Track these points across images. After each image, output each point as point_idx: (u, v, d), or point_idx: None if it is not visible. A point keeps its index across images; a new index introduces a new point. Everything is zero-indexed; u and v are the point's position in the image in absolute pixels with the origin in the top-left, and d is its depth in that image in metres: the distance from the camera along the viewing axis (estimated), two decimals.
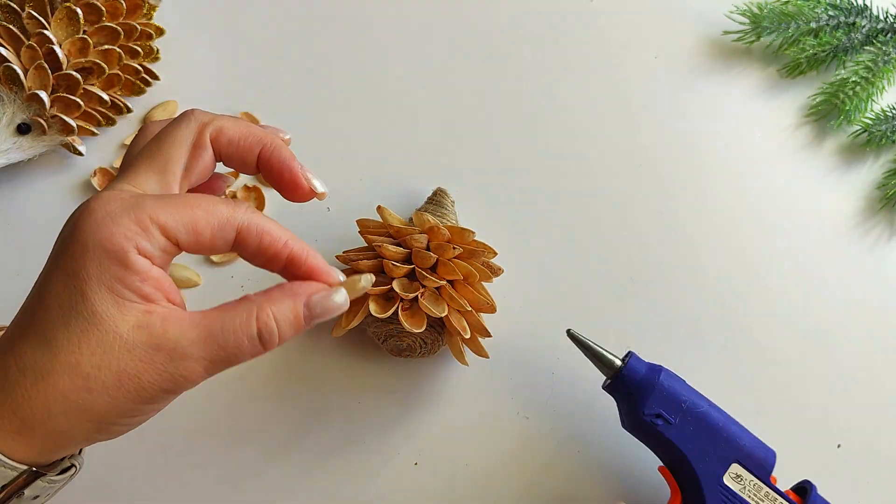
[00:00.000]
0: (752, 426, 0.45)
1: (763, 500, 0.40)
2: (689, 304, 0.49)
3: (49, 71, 0.47)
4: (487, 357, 0.44)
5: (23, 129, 0.47)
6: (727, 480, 0.40)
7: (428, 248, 0.43)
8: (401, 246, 0.43)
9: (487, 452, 0.46)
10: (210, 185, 0.34)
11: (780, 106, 0.55)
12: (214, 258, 0.49)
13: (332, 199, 0.50)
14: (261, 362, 0.47)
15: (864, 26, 0.54)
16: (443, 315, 0.41)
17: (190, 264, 0.49)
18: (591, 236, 0.51)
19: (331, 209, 0.51)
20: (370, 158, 0.52)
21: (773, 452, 0.41)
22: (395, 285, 0.41)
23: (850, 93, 0.53)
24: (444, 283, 0.42)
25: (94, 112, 0.50)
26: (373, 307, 0.41)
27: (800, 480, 0.43)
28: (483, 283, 0.44)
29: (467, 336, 0.42)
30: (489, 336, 0.43)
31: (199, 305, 0.48)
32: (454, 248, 0.42)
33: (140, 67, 0.51)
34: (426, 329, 0.42)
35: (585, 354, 0.43)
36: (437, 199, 0.48)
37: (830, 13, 0.54)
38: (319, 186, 0.32)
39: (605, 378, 0.43)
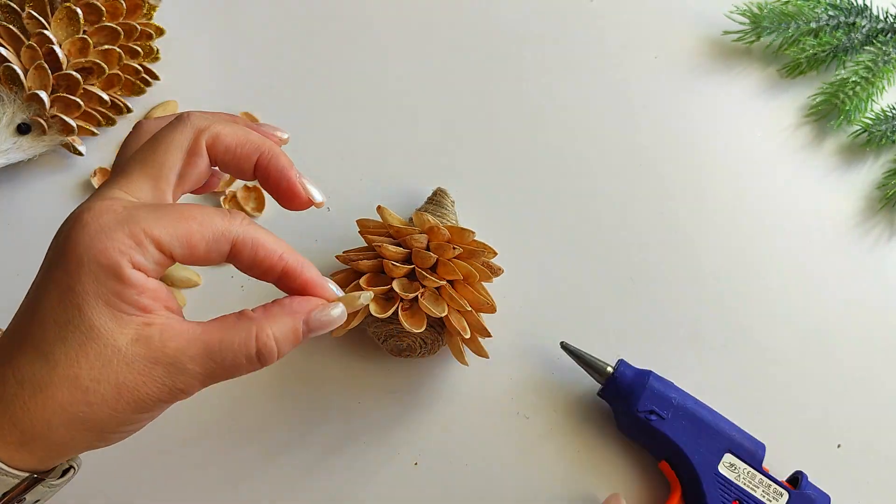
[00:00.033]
0: (752, 426, 0.45)
1: (757, 487, 0.42)
2: (689, 304, 0.49)
3: (49, 71, 0.47)
4: (487, 357, 0.44)
5: (23, 129, 0.47)
6: (722, 469, 0.42)
7: (428, 248, 0.43)
8: (401, 246, 0.43)
9: (487, 452, 0.46)
10: (207, 181, 0.33)
11: (780, 106, 0.55)
12: None
13: (332, 199, 0.50)
14: None
15: (864, 26, 0.54)
16: (443, 315, 0.41)
17: None
18: (591, 236, 0.51)
19: (331, 209, 0.51)
20: (370, 158, 0.52)
21: (763, 445, 0.44)
22: (395, 285, 0.41)
23: (850, 93, 0.53)
24: (444, 283, 0.42)
25: (94, 112, 0.50)
26: (373, 307, 0.41)
27: (793, 472, 0.44)
28: (483, 283, 0.44)
29: (467, 336, 0.42)
30: (489, 336, 0.43)
31: (199, 305, 0.49)
32: (454, 248, 0.42)
33: (140, 67, 0.51)
34: (426, 329, 0.42)
35: (579, 364, 0.46)
36: (437, 199, 0.48)
37: (830, 13, 0.54)
38: (317, 195, 0.32)
39: (599, 387, 0.45)
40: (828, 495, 0.43)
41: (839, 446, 0.47)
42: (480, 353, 0.44)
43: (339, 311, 0.30)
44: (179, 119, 0.30)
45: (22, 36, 0.47)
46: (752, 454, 0.43)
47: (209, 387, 0.28)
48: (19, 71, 0.46)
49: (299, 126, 0.52)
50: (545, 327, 0.48)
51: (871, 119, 0.53)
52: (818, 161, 0.53)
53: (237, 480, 0.45)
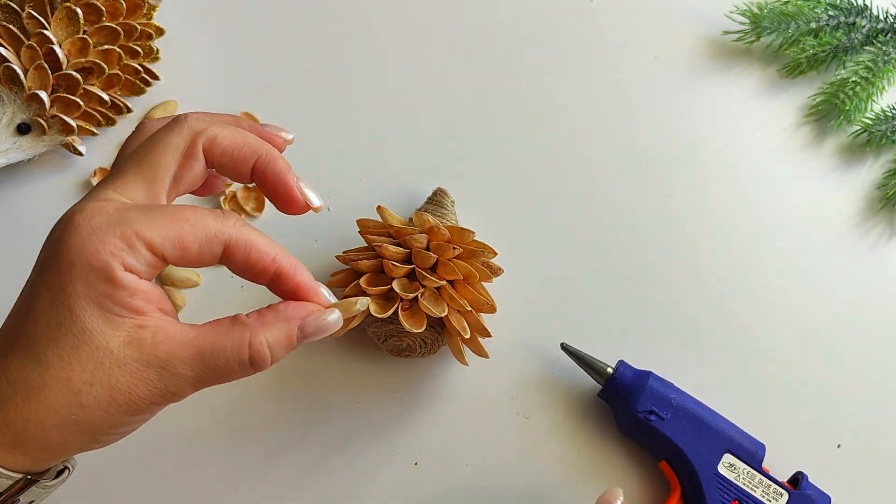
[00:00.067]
0: (751, 426, 0.45)
1: (757, 487, 0.42)
2: (689, 304, 0.49)
3: (49, 71, 0.47)
4: (487, 357, 0.44)
5: (23, 129, 0.47)
6: (722, 469, 0.43)
7: (428, 248, 0.43)
8: (401, 246, 0.43)
9: (487, 452, 0.46)
10: (208, 184, 0.33)
11: (780, 106, 0.54)
12: None
13: (332, 199, 0.50)
14: None
15: (864, 26, 0.54)
16: (443, 315, 0.41)
17: None
18: (591, 236, 0.51)
19: (331, 209, 0.51)
20: (370, 158, 0.52)
21: (763, 445, 0.44)
22: (395, 285, 0.41)
23: (850, 93, 0.53)
24: (444, 283, 0.42)
25: (94, 112, 0.50)
26: (373, 307, 0.41)
27: (794, 472, 0.44)
28: (483, 283, 0.44)
29: (467, 336, 0.42)
30: (489, 336, 0.43)
31: (199, 305, 0.49)
32: (454, 248, 0.42)
33: (140, 67, 0.51)
34: (426, 329, 0.42)
35: (579, 365, 0.46)
36: (437, 199, 0.48)
37: (830, 13, 0.54)
38: (315, 200, 0.31)
39: (599, 387, 0.45)
40: (828, 495, 0.43)
41: (839, 446, 0.47)
42: (480, 353, 0.44)
43: (334, 318, 0.30)
44: (177, 121, 0.30)
45: (22, 36, 0.47)
46: (752, 454, 0.43)
47: (210, 387, 0.28)
48: (19, 71, 0.46)
49: (299, 126, 0.52)
50: (545, 327, 0.48)
51: (871, 119, 0.53)
52: (818, 161, 0.53)
53: (237, 480, 0.45)
